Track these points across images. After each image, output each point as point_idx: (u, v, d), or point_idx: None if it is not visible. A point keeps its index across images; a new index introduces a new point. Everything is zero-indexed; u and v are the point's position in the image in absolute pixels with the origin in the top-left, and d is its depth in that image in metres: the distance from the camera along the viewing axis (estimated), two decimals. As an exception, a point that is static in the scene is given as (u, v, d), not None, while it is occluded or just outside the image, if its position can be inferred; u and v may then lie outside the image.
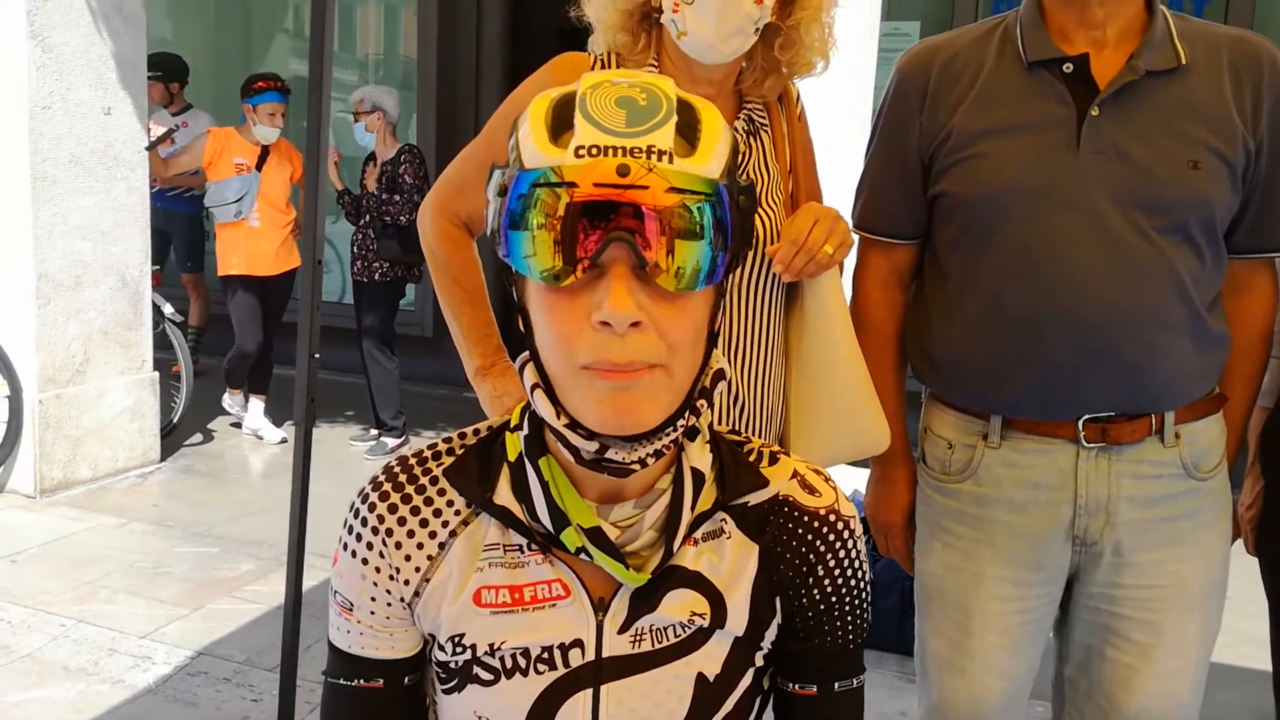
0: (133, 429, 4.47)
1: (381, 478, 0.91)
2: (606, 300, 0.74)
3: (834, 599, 0.91)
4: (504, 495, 0.87)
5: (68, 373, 4.18)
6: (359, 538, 0.90)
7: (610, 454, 0.79)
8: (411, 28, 6.36)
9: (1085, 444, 1.40)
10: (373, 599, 0.90)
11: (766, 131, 1.53)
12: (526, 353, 0.84)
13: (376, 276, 4.79)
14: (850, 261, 1.54)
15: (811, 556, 0.90)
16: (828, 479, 0.93)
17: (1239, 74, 1.37)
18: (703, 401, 0.83)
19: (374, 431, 4.99)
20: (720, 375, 0.85)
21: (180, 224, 5.87)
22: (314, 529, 2.42)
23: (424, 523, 0.89)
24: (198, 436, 5.07)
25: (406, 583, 0.89)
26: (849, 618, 0.92)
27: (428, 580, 0.89)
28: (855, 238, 1.50)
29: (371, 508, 0.89)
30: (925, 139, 1.46)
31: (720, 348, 1.20)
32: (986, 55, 1.44)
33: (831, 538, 0.90)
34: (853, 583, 0.92)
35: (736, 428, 1.48)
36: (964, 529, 1.48)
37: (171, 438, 4.82)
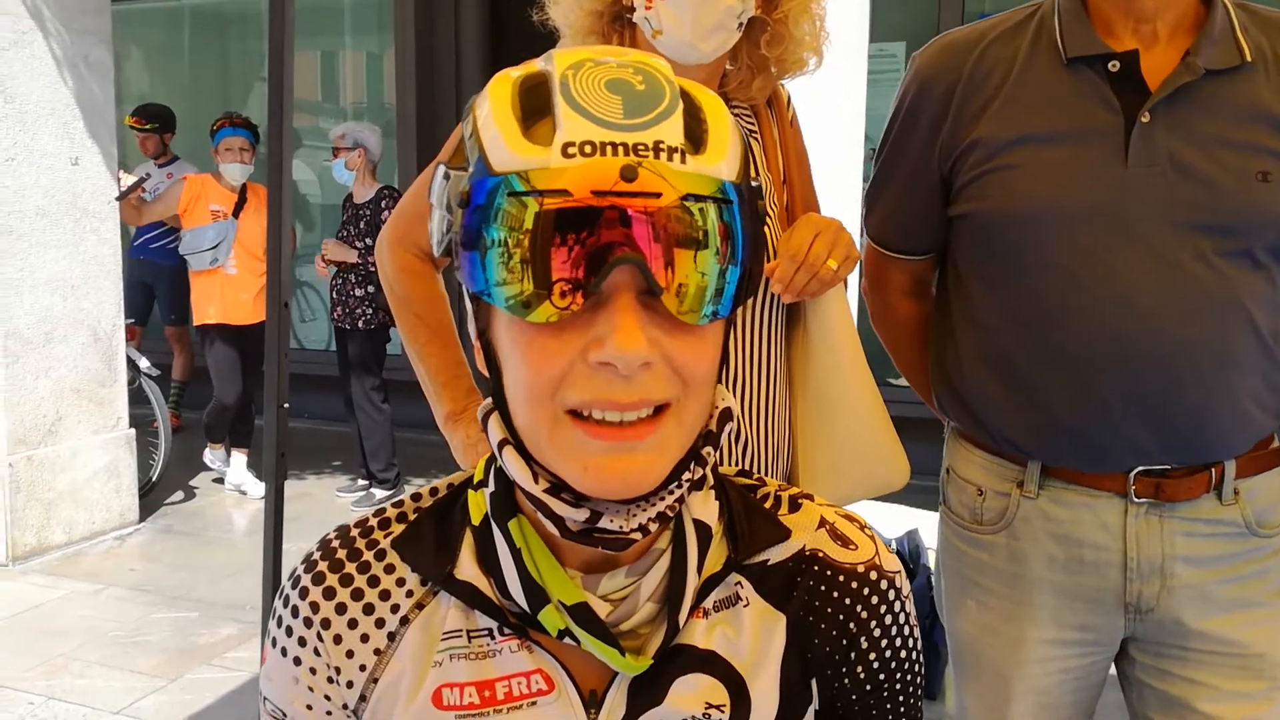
0: (109, 489, 4.29)
1: (316, 555, 0.74)
2: (612, 337, 0.58)
3: (882, 677, 0.74)
4: (467, 569, 0.71)
5: (39, 433, 4.02)
6: (289, 631, 0.73)
7: (604, 522, 0.62)
8: (391, 74, 6.28)
9: (1135, 499, 1.23)
10: (309, 707, 0.73)
11: (756, 138, 1.39)
12: (489, 400, 0.68)
13: (360, 323, 4.64)
14: (854, 275, 1.39)
15: (852, 626, 0.73)
16: (863, 526, 0.76)
17: None
18: (709, 449, 0.67)
19: (362, 482, 4.82)
20: (727, 415, 0.69)
21: (164, 276, 5.72)
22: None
23: (369, 609, 0.72)
24: (179, 494, 4.89)
25: (349, 685, 0.72)
26: (900, 698, 0.76)
27: (375, 680, 0.72)
28: (860, 251, 1.35)
29: (304, 594, 0.72)
30: (946, 152, 1.29)
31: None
32: (1019, 50, 1.26)
33: (875, 600, 0.73)
34: (903, 655, 0.75)
35: (744, 468, 1.32)
36: (999, 586, 1.31)
37: (151, 497, 4.65)
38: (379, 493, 4.73)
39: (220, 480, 5.00)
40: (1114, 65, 1.20)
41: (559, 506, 0.63)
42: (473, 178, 0.60)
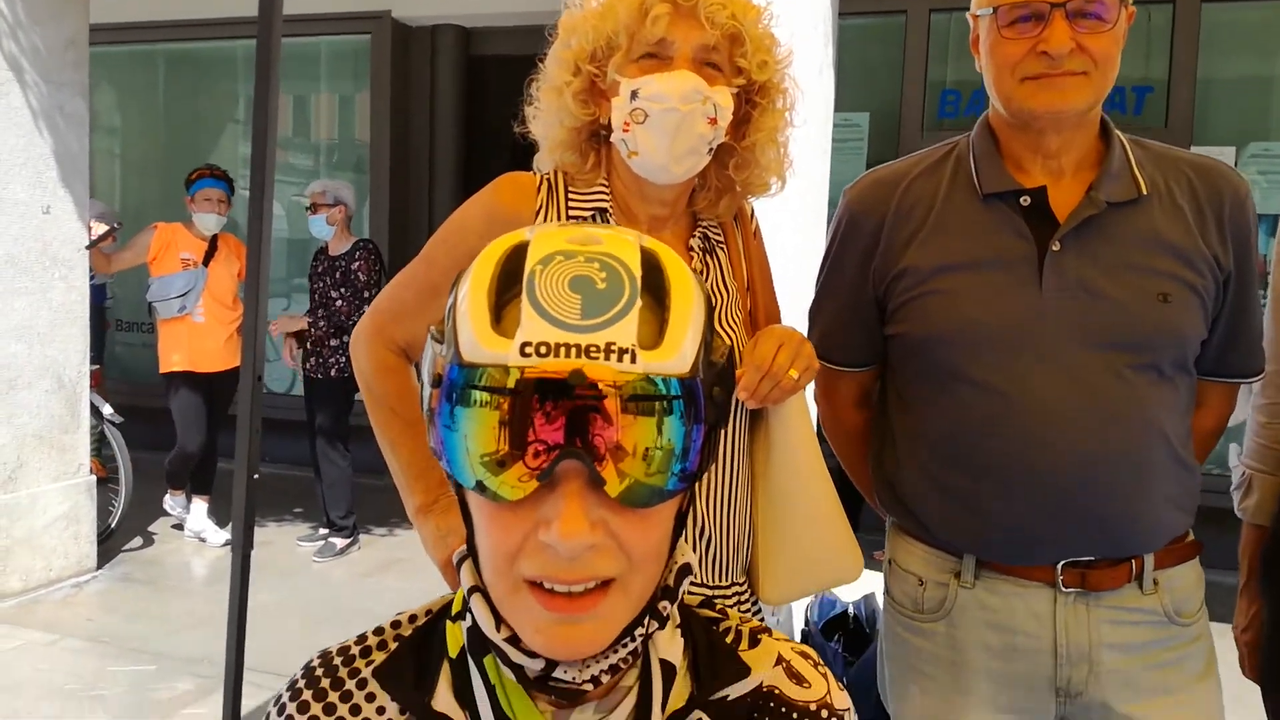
0: (67, 536, 4.26)
1: (301, 683, 0.79)
2: (557, 523, 0.64)
3: None
4: (444, 699, 0.76)
5: (-2, 480, 3.99)
6: None
7: (558, 672, 0.69)
8: (365, 114, 6.34)
9: (1063, 589, 1.33)
10: None
11: (723, 248, 1.47)
12: (464, 548, 0.74)
13: (332, 373, 4.66)
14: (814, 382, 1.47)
15: None
16: (817, 663, 0.82)
17: (1201, 204, 1.33)
18: (666, 604, 0.73)
19: (323, 531, 4.81)
20: (686, 570, 0.75)
21: None
22: (256, 642, 2.26)
23: None
24: (137, 540, 4.85)
25: None
26: None
27: None
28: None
29: None
30: (878, 279, 1.41)
31: None
32: (940, 185, 1.38)
33: None
34: None
35: (704, 565, 1.39)
36: (940, 674, 1.40)
37: (109, 543, 4.60)
38: (338, 541, 4.72)
39: (180, 527, 4.97)
40: (1025, 200, 1.32)
41: (516, 655, 0.69)
42: (447, 363, 0.66)
